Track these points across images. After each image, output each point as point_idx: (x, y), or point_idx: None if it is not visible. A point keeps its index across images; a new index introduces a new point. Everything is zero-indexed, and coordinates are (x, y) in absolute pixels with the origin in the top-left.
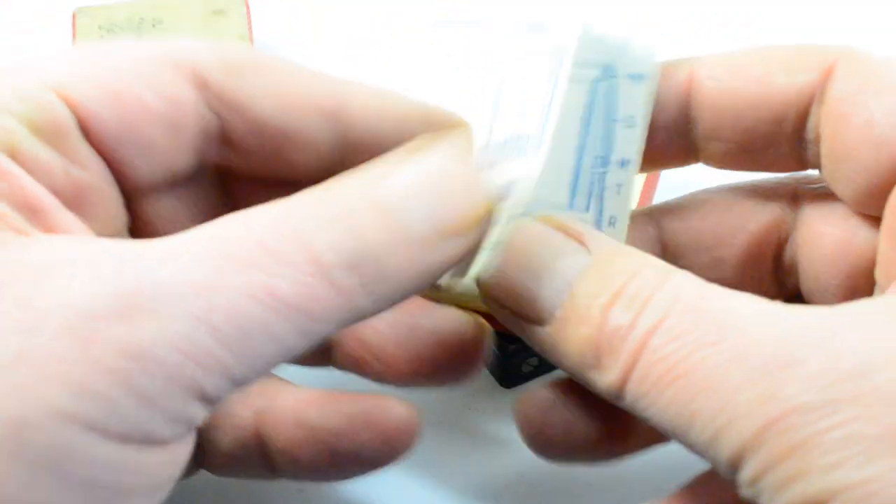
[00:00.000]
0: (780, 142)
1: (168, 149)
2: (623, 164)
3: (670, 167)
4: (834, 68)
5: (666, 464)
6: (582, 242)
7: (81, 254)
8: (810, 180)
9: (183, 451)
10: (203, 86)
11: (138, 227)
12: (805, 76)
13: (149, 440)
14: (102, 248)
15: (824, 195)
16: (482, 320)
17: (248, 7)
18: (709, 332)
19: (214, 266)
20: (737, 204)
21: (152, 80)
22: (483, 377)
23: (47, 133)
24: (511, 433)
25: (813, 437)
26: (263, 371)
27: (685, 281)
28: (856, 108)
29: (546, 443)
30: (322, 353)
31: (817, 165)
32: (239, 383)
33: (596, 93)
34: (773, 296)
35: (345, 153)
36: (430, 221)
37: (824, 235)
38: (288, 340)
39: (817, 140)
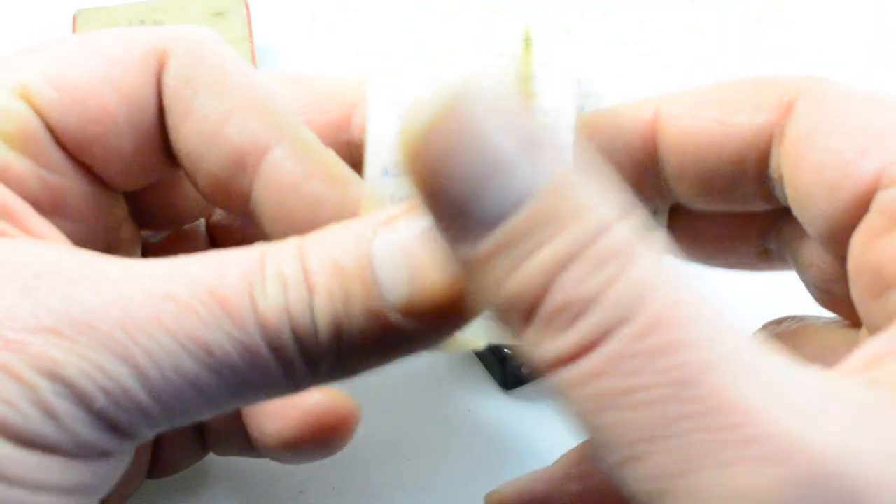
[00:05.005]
0: (746, 182)
1: (136, 154)
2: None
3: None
4: (794, 106)
5: None
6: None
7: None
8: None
9: (102, 468)
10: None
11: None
12: (764, 115)
13: (54, 452)
14: (55, 264)
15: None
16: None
17: (248, 9)
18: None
19: (153, 307)
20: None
21: (117, 80)
22: (484, 379)
23: (20, 142)
24: (511, 435)
25: None
26: (186, 415)
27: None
28: (808, 151)
29: None
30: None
31: (787, 203)
32: (159, 426)
33: None
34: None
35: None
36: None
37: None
38: (217, 398)
39: (781, 180)
